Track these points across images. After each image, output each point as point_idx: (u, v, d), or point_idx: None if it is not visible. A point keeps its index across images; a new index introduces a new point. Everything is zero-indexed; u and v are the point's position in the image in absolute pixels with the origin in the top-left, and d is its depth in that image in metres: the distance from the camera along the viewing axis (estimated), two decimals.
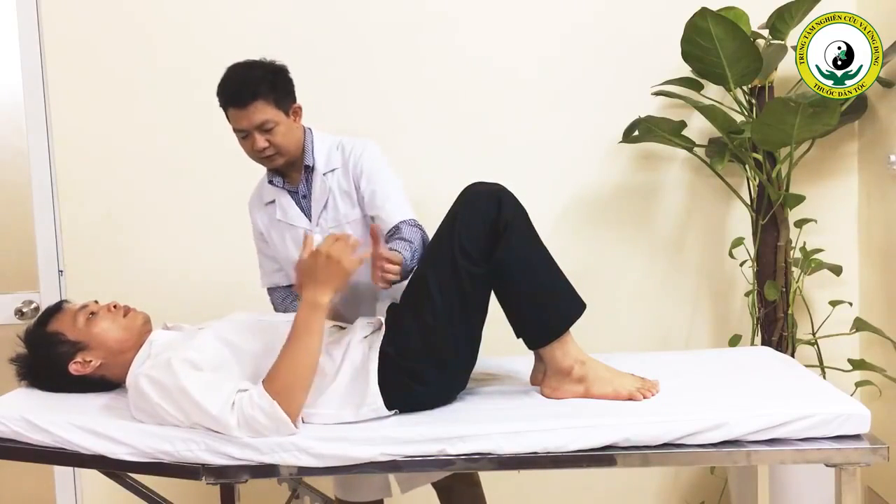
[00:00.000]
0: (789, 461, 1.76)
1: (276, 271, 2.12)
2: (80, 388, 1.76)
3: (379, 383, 1.61)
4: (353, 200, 2.00)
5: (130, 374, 1.64)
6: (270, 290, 2.15)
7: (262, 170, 2.08)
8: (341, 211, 2.00)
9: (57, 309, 1.79)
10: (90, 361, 1.73)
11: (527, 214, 1.70)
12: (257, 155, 1.93)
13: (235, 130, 1.91)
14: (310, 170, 2.01)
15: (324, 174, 2.00)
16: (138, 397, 1.59)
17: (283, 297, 2.12)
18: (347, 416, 1.61)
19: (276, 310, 2.12)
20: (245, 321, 1.79)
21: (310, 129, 2.04)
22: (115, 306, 1.79)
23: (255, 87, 1.85)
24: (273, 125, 1.88)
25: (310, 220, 2.02)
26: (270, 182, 2.05)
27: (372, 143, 2.05)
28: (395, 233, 1.90)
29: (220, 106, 1.89)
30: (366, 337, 1.73)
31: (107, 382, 1.77)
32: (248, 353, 1.68)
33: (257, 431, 1.51)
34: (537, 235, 1.70)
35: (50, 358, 1.73)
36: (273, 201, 2.05)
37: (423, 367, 1.65)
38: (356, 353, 1.68)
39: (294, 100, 1.96)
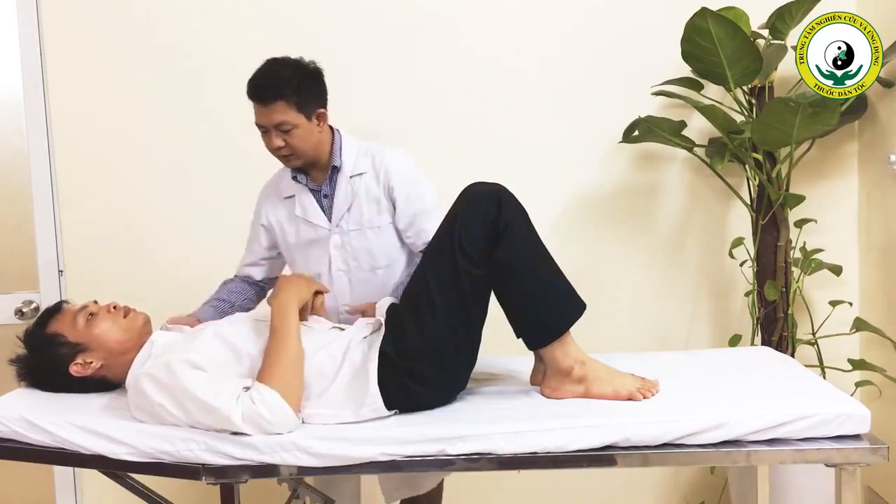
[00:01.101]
0: (789, 461, 1.75)
1: (253, 265, 2.13)
2: (81, 388, 1.75)
3: (379, 383, 1.61)
4: (380, 207, 1.99)
5: (131, 374, 1.64)
6: (236, 278, 2.15)
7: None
8: (366, 215, 1.99)
9: (56, 310, 1.79)
10: (91, 363, 1.73)
11: (527, 214, 1.69)
12: (274, 153, 1.93)
13: (256, 124, 1.91)
14: (336, 171, 2.00)
15: (350, 177, 1.99)
16: (138, 396, 1.59)
17: (241, 290, 2.12)
18: (347, 416, 1.60)
19: (220, 295, 2.09)
20: (245, 322, 1.79)
21: (338, 130, 2.03)
22: (114, 307, 1.79)
23: (279, 88, 1.84)
24: (291, 127, 1.88)
25: (329, 221, 2.01)
26: (294, 178, 2.03)
27: (402, 152, 2.03)
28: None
29: (247, 96, 1.89)
30: (366, 337, 1.73)
31: (107, 383, 1.77)
32: (249, 353, 1.68)
33: (260, 426, 1.51)
34: (537, 236, 1.70)
35: (50, 359, 1.72)
36: (293, 196, 2.04)
37: (423, 367, 1.65)
38: (356, 354, 1.68)
39: (322, 105, 1.94)
